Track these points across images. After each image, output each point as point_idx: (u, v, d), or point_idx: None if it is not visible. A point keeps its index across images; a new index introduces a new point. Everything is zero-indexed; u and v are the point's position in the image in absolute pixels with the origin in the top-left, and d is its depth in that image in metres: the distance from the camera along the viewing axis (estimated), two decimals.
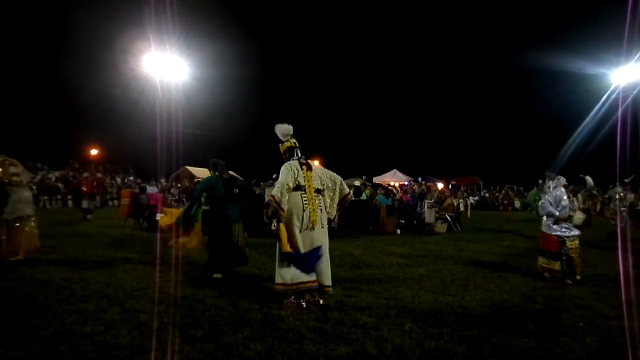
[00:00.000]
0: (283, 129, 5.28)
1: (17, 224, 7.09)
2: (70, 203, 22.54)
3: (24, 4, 30.33)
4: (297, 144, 5.26)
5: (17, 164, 7.36)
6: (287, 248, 4.73)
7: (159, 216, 11.97)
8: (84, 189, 16.57)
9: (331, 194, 5.19)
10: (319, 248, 4.87)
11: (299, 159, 5.16)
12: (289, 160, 5.14)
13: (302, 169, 5.04)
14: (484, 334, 4.07)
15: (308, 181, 5.01)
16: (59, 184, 23.95)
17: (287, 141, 5.25)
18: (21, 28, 30.29)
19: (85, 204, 15.99)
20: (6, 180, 7.12)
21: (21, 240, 7.10)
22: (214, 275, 6.18)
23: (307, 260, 4.79)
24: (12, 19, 29.82)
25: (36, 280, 5.75)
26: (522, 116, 41.44)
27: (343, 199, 5.29)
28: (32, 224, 7.32)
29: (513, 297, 5.45)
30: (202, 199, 6.52)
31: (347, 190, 5.35)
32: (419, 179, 23.98)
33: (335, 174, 5.33)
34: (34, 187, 21.37)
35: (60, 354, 3.42)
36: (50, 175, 24.85)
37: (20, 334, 3.81)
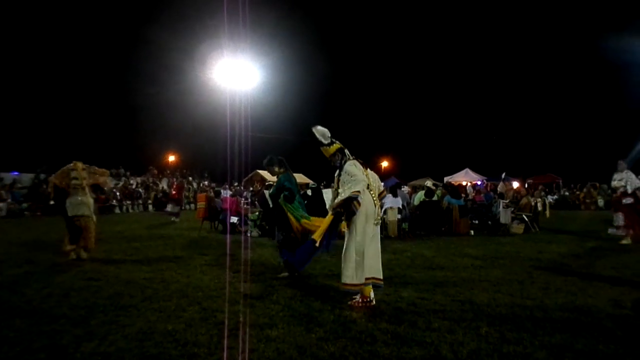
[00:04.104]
0: (324, 132, 5.25)
1: (77, 221, 7.81)
2: (150, 207, 23.82)
3: (105, 21, 32.33)
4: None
5: (80, 169, 8.03)
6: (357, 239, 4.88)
7: (234, 219, 12.46)
8: (173, 193, 18.73)
9: (376, 191, 5.23)
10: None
11: (355, 159, 5.22)
12: (340, 161, 5.20)
13: (363, 168, 5.14)
14: (567, 339, 3.85)
15: (369, 178, 5.13)
16: (140, 189, 25.37)
17: (334, 143, 5.26)
18: (105, 45, 32.35)
19: (170, 207, 17.53)
20: (65, 184, 7.91)
21: (81, 238, 7.79)
22: (280, 275, 6.31)
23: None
24: (97, 35, 31.94)
25: (121, 280, 6.10)
26: (603, 107, 38.32)
27: (380, 194, 5.44)
28: (91, 225, 7.97)
29: (598, 301, 5.11)
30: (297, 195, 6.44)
31: (383, 187, 5.68)
32: (502, 176, 22.77)
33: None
34: (118, 193, 22.86)
35: (145, 350, 3.60)
36: (132, 181, 26.41)
37: (108, 330, 4.04)
